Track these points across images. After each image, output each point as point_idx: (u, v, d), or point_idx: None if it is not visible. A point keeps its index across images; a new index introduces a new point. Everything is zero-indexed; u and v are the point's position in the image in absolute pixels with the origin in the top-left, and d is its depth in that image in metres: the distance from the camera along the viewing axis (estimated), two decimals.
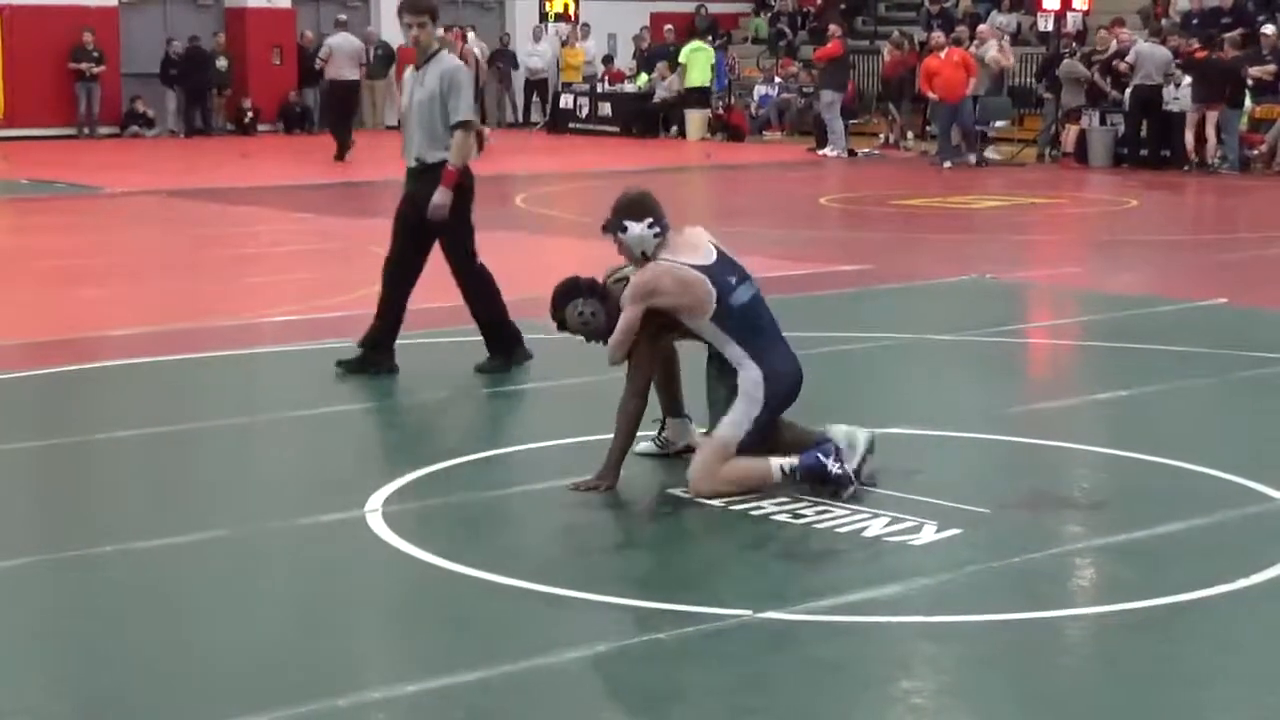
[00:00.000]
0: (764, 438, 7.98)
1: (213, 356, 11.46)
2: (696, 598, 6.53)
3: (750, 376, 7.92)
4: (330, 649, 6.15)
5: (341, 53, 28.05)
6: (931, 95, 27.86)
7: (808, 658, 6.01)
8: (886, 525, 7.43)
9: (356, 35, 29.63)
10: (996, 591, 6.77)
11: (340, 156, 27.33)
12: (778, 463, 7.87)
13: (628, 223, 8.15)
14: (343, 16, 31.03)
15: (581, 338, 8.46)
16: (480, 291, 10.78)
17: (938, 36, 28.79)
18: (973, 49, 28.45)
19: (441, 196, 10.33)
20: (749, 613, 6.35)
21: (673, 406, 8.55)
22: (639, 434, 8.28)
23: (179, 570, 7.04)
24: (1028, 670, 5.99)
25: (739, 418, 7.91)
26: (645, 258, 8.11)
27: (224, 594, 6.79)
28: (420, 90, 10.36)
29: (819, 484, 7.79)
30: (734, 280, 8.04)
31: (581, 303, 8.31)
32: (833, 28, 30.69)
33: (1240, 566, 6.94)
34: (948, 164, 27.37)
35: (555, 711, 5.55)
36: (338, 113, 28.52)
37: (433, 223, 10.37)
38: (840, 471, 7.76)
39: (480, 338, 10.78)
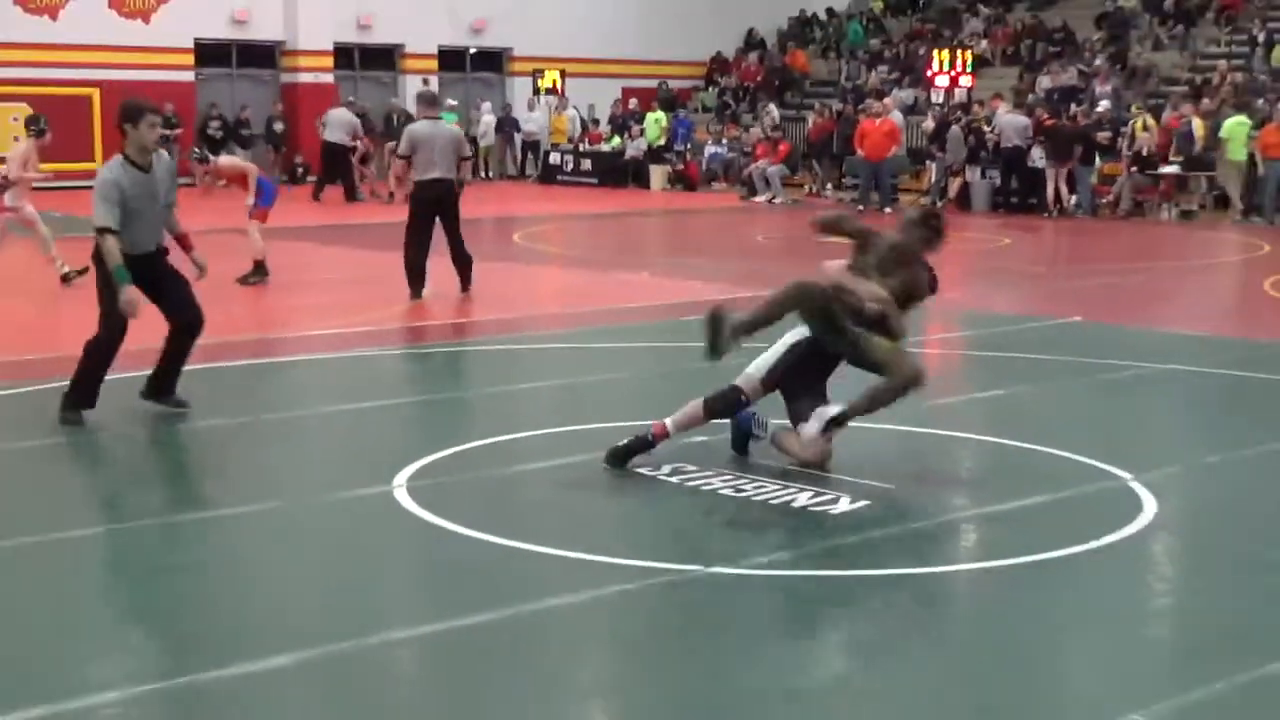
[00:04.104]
0: None
1: (268, 363, 11.43)
2: (658, 556, 6.53)
3: None
4: (362, 598, 6.12)
5: (335, 122, 28.92)
6: (860, 152, 27.83)
7: (749, 605, 6.00)
8: (810, 498, 7.42)
9: (354, 109, 30.14)
10: (899, 551, 6.77)
11: (350, 198, 28.79)
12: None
13: None
14: (351, 99, 31.42)
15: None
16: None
17: (877, 105, 28.80)
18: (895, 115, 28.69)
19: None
20: (701, 568, 6.34)
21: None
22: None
23: (244, 535, 7.02)
24: (923, 614, 5.98)
25: None
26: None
27: (279, 553, 6.78)
28: (159, 187, 9.20)
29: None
30: None
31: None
32: (774, 136, 31.64)
33: (1093, 531, 6.94)
34: (860, 209, 27.39)
35: (546, 647, 5.53)
36: (328, 166, 29.25)
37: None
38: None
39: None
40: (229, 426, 9.24)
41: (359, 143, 29.34)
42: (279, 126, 33.74)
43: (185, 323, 9.48)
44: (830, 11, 41.98)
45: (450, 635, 5.60)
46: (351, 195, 28.79)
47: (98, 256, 9.17)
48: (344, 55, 35.65)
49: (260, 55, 34.86)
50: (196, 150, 22.51)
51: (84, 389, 9.24)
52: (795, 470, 7.86)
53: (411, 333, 12.97)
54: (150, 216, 9.26)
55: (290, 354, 11.76)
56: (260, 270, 15.90)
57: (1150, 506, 7.36)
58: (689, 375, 11.15)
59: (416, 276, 14.88)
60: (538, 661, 5.40)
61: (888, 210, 27.18)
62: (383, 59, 36.76)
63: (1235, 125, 25.39)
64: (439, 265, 15.15)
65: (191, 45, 33.65)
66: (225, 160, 17.40)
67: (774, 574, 6.34)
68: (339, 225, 24.02)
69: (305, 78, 34.52)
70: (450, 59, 37.38)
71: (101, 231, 8.99)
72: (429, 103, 15.77)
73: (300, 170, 33.72)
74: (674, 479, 7.79)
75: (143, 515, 7.33)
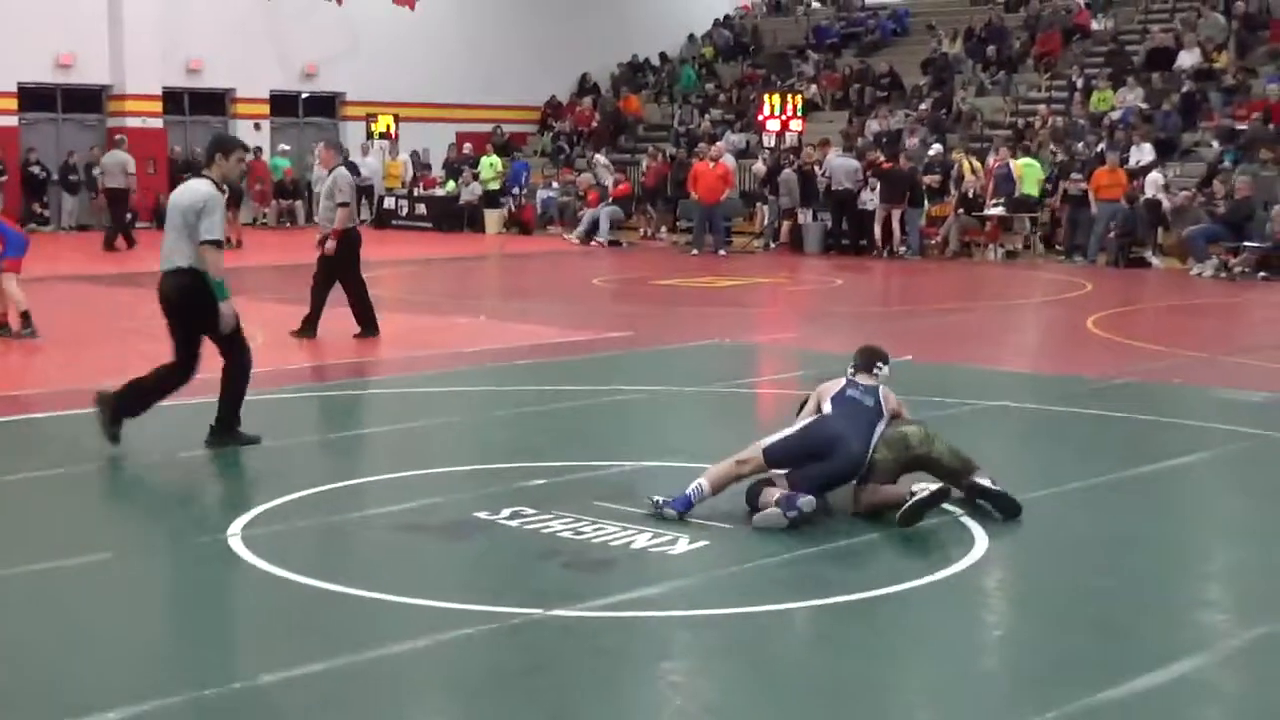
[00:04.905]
0: None
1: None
2: (498, 600, 6.50)
3: None
4: (196, 649, 6.02)
5: (110, 166, 28.22)
6: (694, 195, 28.10)
7: (588, 646, 6.01)
8: (649, 539, 7.45)
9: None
10: (737, 589, 6.82)
11: (110, 246, 27.46)
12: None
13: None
14: (119, 136, 30.10)
15: None
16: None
17: (714, 147, 29.22)
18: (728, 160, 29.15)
19: None
20: (541, 611, 6.33)
21: None
22: None
23: (72, 587, 6.84)
24: (761, 652, 6.03)
25: None
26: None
27: (108, 605, 6.62)
28: None
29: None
30: None
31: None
32: (617, 178, 31.98)
33: (927, 566, 7.07)
34: (694, 251, 27.62)
35: (386, 695, 5.48)
36: (112, 212, 28.27)
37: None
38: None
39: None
40: (56, 477, 9.03)
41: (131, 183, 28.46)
42: (97, 171, 32.99)
43: (193, 365, 9.78)
44: (663, 56, 42.42)
45: (288, 685, 5.52)
46: (110, 244, 27.55)
47: (177, 291, 9.47)
48: (173, 100, 35.17)
49: (87, 100, 34.25)
50: None
51: (233, 412, 9.73)
52: (634, 513, 7.88)
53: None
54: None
55: None
56: (27, 322, 15.17)
57: (982, 541, 7.51)
58: (528, 418, 11.16)
59: (371, 316, 15.37)
60: (378, 710, 5.34)
61: (721, 252, 27.46)
62: (213, 103, 36.33)
63: (1022, 166, 26.88)
64: (279, 311, 15.02)
65: (14, 89, 32.97)
66: None
67: (614, 615, 6.35)
68: None
69: (133, 122, 33.96)
70: (282, 104, 37.08)
71: (215, 244, 9.41)
72: (339, 148, 16.43)
73: (130, 216, 33.11)
74: (513, 522, 7.77)
75: None
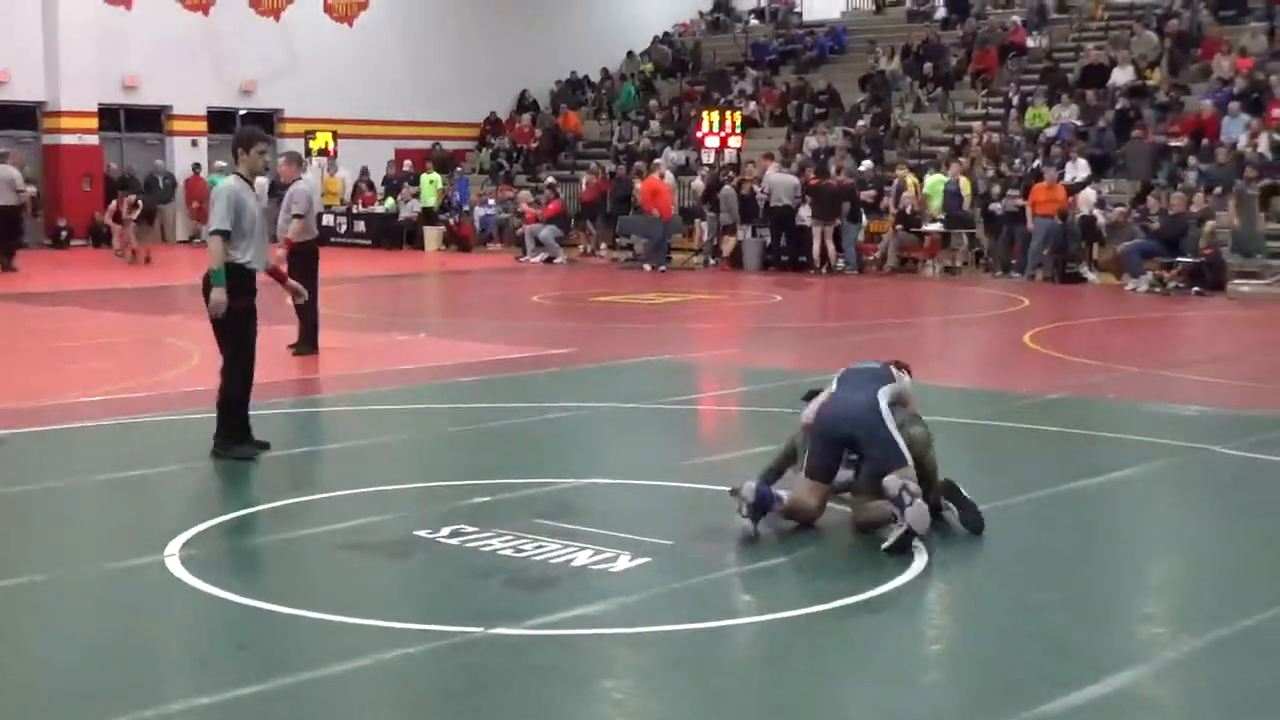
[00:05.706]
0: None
1: (26, 432, 11.09)
2: (440, 618, 6.48)
3: None
4: (134, 671, 5.97)
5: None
6: (654, 211, 28.18)
7: (529, 664, 5.99)
8: (590, 556, 7.44)
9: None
10: (679, 606, 6.82)
11: (7, 268, 26.61)
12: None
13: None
14: (3, 151, 28.83)
15: None
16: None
17: (665, 164, 29.42)
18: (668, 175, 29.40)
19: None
20: (482, 629, 6.31)
21: None
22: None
23: (4, 609, 6.77)
24: (704, 668, 6.03)
25: None
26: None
27: (41, 627, 6.56)
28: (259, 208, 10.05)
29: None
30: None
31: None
32: (548, 195, 31.79)
33: (868, 581, 7.09)
34: (647, 267, 27.66)
35: (325, 715, 5.46)
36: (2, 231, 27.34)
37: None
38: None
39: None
40: None
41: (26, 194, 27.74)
42: (31, 189, 32.38)
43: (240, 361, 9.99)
44: (604, 73, 42.48)
45: (228, 707, 5.48)
46: (8, 264, 26.71)
47: (203, 286, 9.72)
48: (109, 116, 34.92)
49: (21, 116, 33.94)
50: None
51: (235, 427, 9.88)
52: (576, 530, 7.88)
53: (184, 398, 12.69)
54: (260, 235, 9.91)
55: (54, 422, 11.43)
56: None
57: (921, 556, 7.54)
58: (469, 435, 11.13)
59: (313, 334, 15.39)
60: None
61: (661, 269, 27.51)
62: (150, 120, 36.10)
63: (936, 182, 27.41)
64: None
65: None
66: None
67: (556, 633, 6.34)
68: (111, 289, 23.46)
69: (68, 139, 33.72)
70: (219, 120, 36.81)
71: (217, 234, 9.65)
72: (299, 162, 16.52)
73: (64, 234, 32.88)
74: (454, 540, 7.75)
75: None
